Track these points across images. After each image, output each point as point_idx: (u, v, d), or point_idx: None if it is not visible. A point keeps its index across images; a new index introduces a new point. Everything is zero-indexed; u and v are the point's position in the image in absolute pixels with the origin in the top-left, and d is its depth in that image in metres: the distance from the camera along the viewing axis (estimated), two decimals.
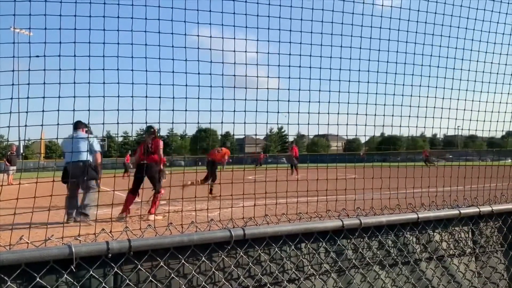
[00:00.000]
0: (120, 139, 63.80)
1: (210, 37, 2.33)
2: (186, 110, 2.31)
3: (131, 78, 2.18)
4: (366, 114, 2.85)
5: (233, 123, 2.45)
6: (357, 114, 2.82)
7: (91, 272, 1.80)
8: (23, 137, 2.28)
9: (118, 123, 2.17)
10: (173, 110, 2.29)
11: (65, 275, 1.75)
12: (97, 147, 8.37)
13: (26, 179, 2.43)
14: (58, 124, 2.10)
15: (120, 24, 2.15)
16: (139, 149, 9.03)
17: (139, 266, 1.91)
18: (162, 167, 8.88)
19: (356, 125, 2.84)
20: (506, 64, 3.43)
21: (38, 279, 1.69)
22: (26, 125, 2.04)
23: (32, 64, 2.02)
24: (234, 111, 2.42)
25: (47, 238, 1.84)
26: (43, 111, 2.04)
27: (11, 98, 1.95)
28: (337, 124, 2.80)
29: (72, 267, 1.74)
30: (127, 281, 1.88)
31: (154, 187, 8.33)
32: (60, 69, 2.06)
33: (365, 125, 2.86)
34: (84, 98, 2.14)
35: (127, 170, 23.42)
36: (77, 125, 8.01)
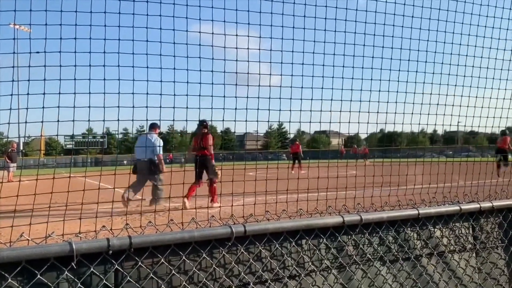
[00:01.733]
0: (120, 136, 63.75)
1: (212, 33, 2.32)
2: (187, 108, 2.31)
3: (131, 75, 2.17)
4: (368, 112, 2.85)
5: (235, 120, 2.45)
6: (359, 112, 2.82)
7: (91, 269, 1.80)
8: (23, 133, 2.27)
9: (118, 120, 2.17)
10: (173, 107, 2.29)
11: (66, 272, 1.75)
12: (159, 149, 9.35)
13: (26, 176, 2.42)
14: (58, 120, 2.10)
15: (121, 20, 2.14)
16: (193, 143, 9.61)
17: (139, 263, 1.91)
18: (213, 162, 9.32)
19: (358, 123, 2.84)
20: (503, 60, 3.42)
21: (38, 276, 1.69)
22: (26, 122, 2.04)
23: (32, 60, 2.01)
24: (236, 108, 2.42)
25: (47, 235, 1.83)
26: (43, 107, 2.04)
27: (11, 95, 1.94)
28: (339, 122, 2.80)
29: (72, 264, 1.74)
30: (128, 278, 1.88)
31: (210, 179, 8.92)
32: (60, 65, 2.06)
33: (367, 122, 2.85)
34: (84, 95, 2.14)
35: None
36: (153, 126, 9.25)
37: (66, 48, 2.06)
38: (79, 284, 1.78)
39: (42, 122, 2.06)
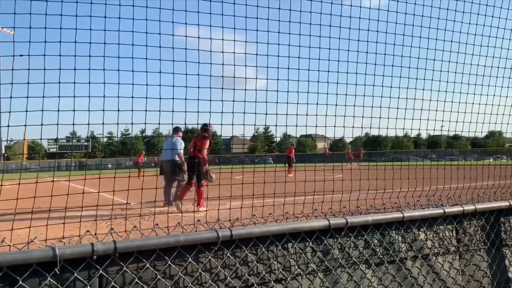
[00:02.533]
0: (105, 139, 63.08)
1: (198, 37, 2.32)
2: (173, 111, 2.30)
3: (117, 78, 2.16)
4: (353, 116, 2.87)
5: (221, 124, 2.45)
6: (344, 116, 2.84)
7: (75, 275, 1.78)
8: (6, 137, 2.23)
9: (103, 123, 2.15)
10: (159, 110, 2.27)
11: (49, 278, 1.72)
12: (181, 149, 10.19)
13: (8, 180, 2.38)
14: (42, 124, 2.06)
15: (106, 23, 2.13)
16: (192, 142, 9.90)
17: (124, 268, 1.89)
18: (207, 165, 9.65)
19: (344, 127, 2.86)
20: (485, 66, 3.49)
21: (20, 282, 1.66)
22: (8, 125, 2.01)
23: (16, 63, 1.98)
24: (222, 112, 2.41)
25: (30, 240, 1.80)
26: (26, 111, 2.01)
27: None
28: (325, 126, 2.82)
29: (56, 269, 1.72)
30: (113, 283, 1.86)
31: (198, 182, 9.19)
32: (44, 69, 2.03)
33: (353, 127, 2.88)
34: (69, 98, 2.11)
35: (140, 170, 23.37)
36: (176, 130, 10.23)
37: (50, 52, 2.04)
38: None
39: (25, 125, 2.03)
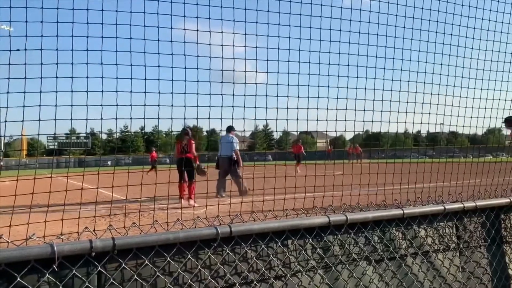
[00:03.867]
0: (104, 136, 63.02)
1: (197, 30, 2.30)
2: (172, 106, 2.28)
3: (115, 73, 2.13)
4: (355, 110, 2.85)
5: (221, 118, 2.43)
6: (346, 109, 2.82)
7: (74, 271, 1.76)
8: (5, 134, 2.21)
9: (102, 118, 2.13)
10: (158, 105, 2.25)
11: (47, 275, 1.71)
12: (236, 146, 11.36)
13: (7, 177, 2.36)
14: (39, 120, 2.05)
15: (104, 17, 2.10)
16: (176, 148, 10.65)
17: (123, 265, 1.87)
18: (198, 162, 10.58)
19: (346, 120, 2.85)
20: (484, 60, 3.47)
21: (18, 279, 1.65)
22: (6, 121, 1.99)
23: (13, 58, 1.96)
24: (222, 106, 2.39)
25: (28, 237, 1.79)
26: (23, 106, 1.99)
27: None
28: (326, 120, 2.80)
29: (54, 266, 1.70)
30: (111, 280, 1.85)
31: (190, 178, 10.00)
32: (41, 63, 2.01)
33: (354, 120, 2.86)
34: (66, 93, 2.09)
35: (154, 167, 23.07)
36: (229, 129, 11.19)
37: (48, 46, 2.01)
38: (60, 287, 1.73)
39: (22, 121, 2.01)
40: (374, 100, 2.94)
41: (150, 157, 26.73)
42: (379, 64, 2.95)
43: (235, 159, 11.18)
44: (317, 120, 2.76)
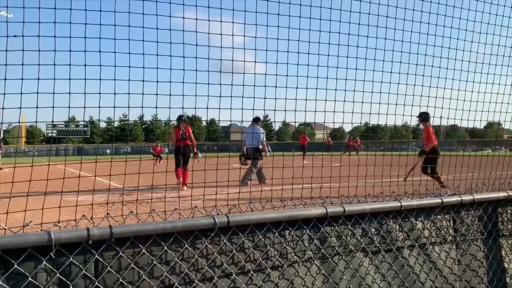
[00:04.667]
0: (104, 124, 62.82)
1: (196, 19, 2.28)
2: (170, 95, 2.27)
3: (113, 61, 2.11)
4: (353, 102, 2.84)
5: (219, 108, 2.41)
6: (344, 101, 2.81)
7: (71, 259, 1.77)
8: (4, 120, 2.20)
9: (99, 106, 2.12)
10: (156, 94, 2.24)
11: (44, 262, 1.71)
12: (264, 138, 12.01)
13: (6, 164, 2.36)
14: (37, 107, 2.04)
15: (102, 4, 2.08)
16: (174, 134, 10.81)
17: (120, 253, 1.88)
18: (195, 149, 10.97)
19: (343, 112, 2.83)
20: (484, 53, 3.45)
21: (16, 266, 1.65)
22: (3, 108, 1.98)
23: (10, 44, 1.94)
24: (220, 96, 2.38)
25: (25, 224, 1.79)
26: (21, 93, 1.97)
27: None
28: (324, 111, 2.79)
29: (51, 254, 1.70)
30: (108, 268, 1.85)
31: (185, 165, 10.34)
32: (39, 50, 1.99)
33: (352, 112, 2.85)
34: (64, 81, 2.08)
35: (160, 157, 23.29)
36: (256, 120, 11.60)
37: (45, 33, 2.00)
38: (57, 274, 1.74)
39: (20, 108, 2.00)
40: (372, 92, 2.93)
41: (156, 151, 26.64)
42: (378, 56, 2.94)
43: (261, 148, 11.62)
44: (315, 111, 2.75)
